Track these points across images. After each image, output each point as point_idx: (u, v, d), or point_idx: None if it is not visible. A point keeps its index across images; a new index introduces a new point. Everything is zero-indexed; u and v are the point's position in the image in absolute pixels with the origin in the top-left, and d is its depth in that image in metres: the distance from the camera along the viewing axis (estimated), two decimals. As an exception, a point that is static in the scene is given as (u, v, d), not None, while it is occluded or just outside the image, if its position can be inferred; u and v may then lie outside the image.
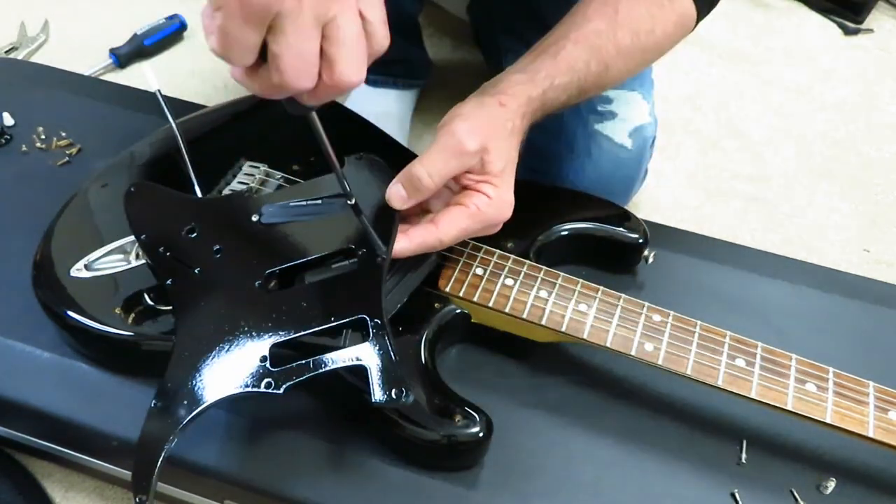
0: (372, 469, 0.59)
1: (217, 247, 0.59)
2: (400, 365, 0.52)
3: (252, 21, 0.40)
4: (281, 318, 0.55)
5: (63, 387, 0.63)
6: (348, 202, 0.56)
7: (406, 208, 0.59)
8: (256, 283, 0.57)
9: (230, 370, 0.53)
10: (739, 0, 1.43)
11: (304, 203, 0.59)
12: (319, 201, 0.59)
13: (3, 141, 0.82)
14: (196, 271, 0.58)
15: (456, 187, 0.61)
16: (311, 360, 0.52)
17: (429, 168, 0.58)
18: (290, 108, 0.47)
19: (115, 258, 0.65)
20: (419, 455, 0.59)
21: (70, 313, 0.61)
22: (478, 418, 0.56)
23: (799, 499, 0.59)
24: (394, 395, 0.50)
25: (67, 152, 0.81)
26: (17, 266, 0.66)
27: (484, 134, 0.59)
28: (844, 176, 1.14)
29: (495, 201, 0.59)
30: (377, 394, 0.51)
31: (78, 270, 0.64)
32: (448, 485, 0.58)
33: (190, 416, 0.51)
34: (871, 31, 1.39)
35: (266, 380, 0.52)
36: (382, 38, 0.44)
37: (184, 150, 0.69)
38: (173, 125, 0.71)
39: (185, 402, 0.52)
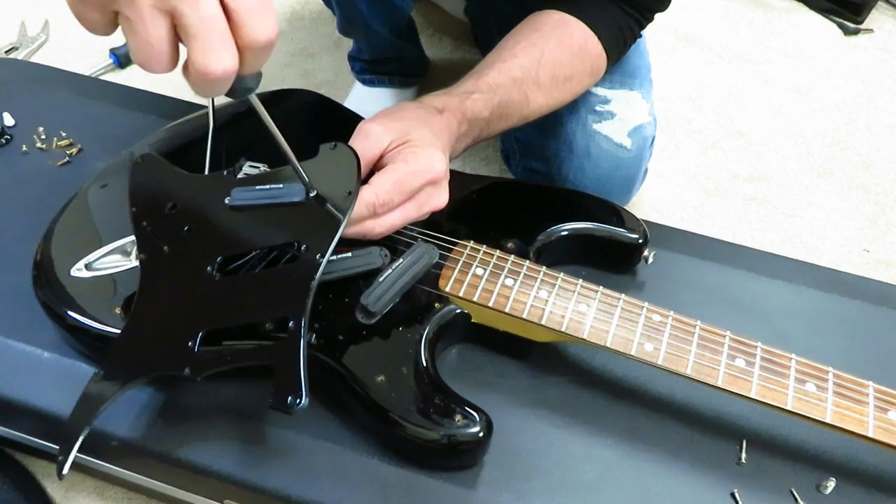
0: (372, 469, 0.59)
1: (187, 227, 0.59)
2: (305, 372, 0.50)
3: (93, 4, 0.39)
4: (217, 305, 0.55)
5: (63, 387, 0.63)
6: (309, 193, 0.56)
7: None
8: (208, 267, 0.57)
9: (161, 351, 0.54)
10: (739, 0, 1.43)
11: (268, 188, 0.59)
12: (281, 185, 0.58)
13: (4, 141, 0.82)
14: (164, 249, 0.59)
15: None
16: (230, 352, 0.53)
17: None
18: (227, 93, 0.46)
19: (115, 258, 0.65)
20: (419, 455, 0.59)
21: (70, 313, 0.62)
22: (478, 418, 0.56)
23: (799, 499, 0.59)
24: (287, 402, 0.49)
25: (67, 152, 0.81)
26: (17, 266, 0.67)
27: (394, 128, 0.61)
28: (844, 176, 1.14)
29: (420, 155, 0.59)
30: (272, 397, 0.50)
31: (78, 270, 0.64)
32: (448, 485, 0.58)
33: (116, 394, 0.52)
34: (871, 31, 1.39)
35: (187, 366, 0.52)
36: (256, 25, 0.40)
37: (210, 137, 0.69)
38: (210, 113, 0.71)
39: (119, 378, 0.52)
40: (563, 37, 0.72)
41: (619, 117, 0.85)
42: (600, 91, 0.86)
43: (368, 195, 0.57)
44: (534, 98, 0.71)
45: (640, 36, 0.79)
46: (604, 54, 0.74)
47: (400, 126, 0.61)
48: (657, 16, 0.78)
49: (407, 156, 0.59)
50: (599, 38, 0.73)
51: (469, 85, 0.68)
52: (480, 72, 0.70)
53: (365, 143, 0.60)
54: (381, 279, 0.61)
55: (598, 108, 0.85)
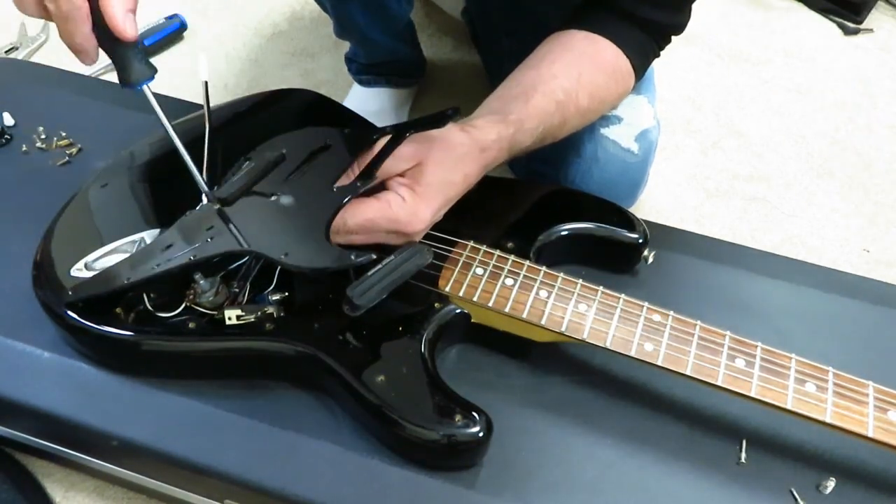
0: (372, 469, 0.59)
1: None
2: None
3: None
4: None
5: (63, 387, 0.63)
6: (211, 201, 0.62)
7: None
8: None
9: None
10: (739, 0, 1.43)
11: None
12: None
13: (3, 141, 0.82)
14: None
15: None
16: None
17: (362, 160, 0.62)
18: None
19: (115, 258, 0.64)
20: (419, 455, 0.59)
21: (70, 313, 0.62)
22: (478, 418, 0.56)
23: (799, 499, 0.59)
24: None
25: (67, 152, 0.81)
26: (17, 266, 0.67)
27: (426, 151, 0.61)
28: (844, 176, 1.14)
29: (408, 205, 0.60)
30: None
31: (78, 270, 0.63)
32: (448, 485, 0.58)
33: None
34: (871, 31, 1.39)
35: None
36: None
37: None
38: (206, 113, 0.71)
39: None
40: (596, 56, 0.71)
41: (627, 122, 0.85)
42: None
43: (338, 220, 0.59)
44: (570, 121, 0.70)
45: (659, 56, 0.78)
46: (633, 72, 0.73)
47: (425, 166, 0.61)
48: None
49: (397, 199, 0.60)
50: (628, 57, 0.72)
51: (519, 111, 0.67)
52: (526, 94, 0.68)
53: (389, 162, 0.61)
54: (369, 273, 0.61)
55: (605, 113, 0.85)
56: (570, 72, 0.69)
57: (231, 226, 0.62)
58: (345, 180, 0.62)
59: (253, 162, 0.66)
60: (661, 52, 0.78)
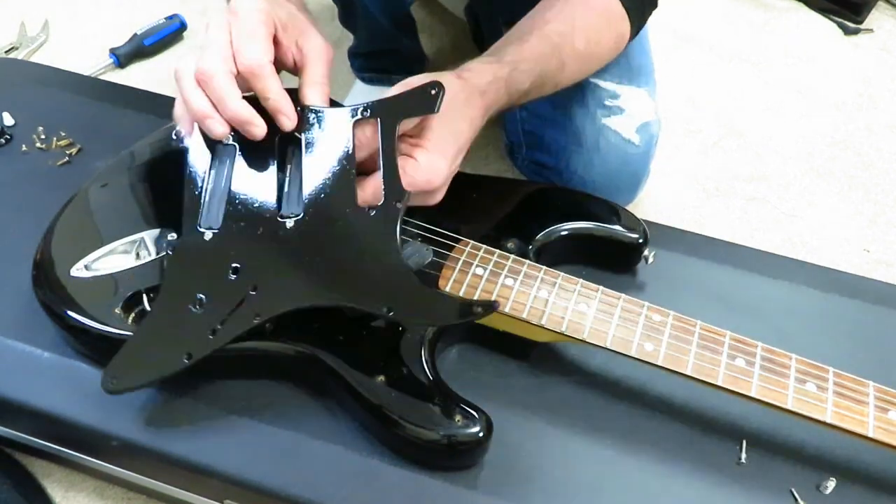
0: (372, 469, 0.59)
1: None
2: None
3: None
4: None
5: (63, 387, 0.63)
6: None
7: None
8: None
9: None
10: (739, 0, 1.43)
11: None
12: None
13: (3, 141, 0.82)
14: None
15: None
16: None
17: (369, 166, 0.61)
18: None
19: (115, 258, 0.65)
20: (419, 455, 0.59)
21: (70, 313, 0.62)
22: (478, 418, 0.56)
23: (799, 499, 0.59)
24: None
25: (67, 152, 0.81)
26: (17, 266, 0.67)
27: (425, 123, 0.60)
28: (844, 176, 1.14)
29: (423, 165, 0.60)
30: None
31: (78, 270, 0.64)
32: (448, 485, 0.58)
33: None
34: (871, 31, 1.39)
35: None
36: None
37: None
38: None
39: None
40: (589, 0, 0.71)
41: (628, 113, 0.85)
42: (609, 86, 0.85)
43: (361, 200, 0.59)
44: (569, 65, 0.70)
45: (657, 6, 0.77)
46: (626, 16, 0.73)
47: (429, 120, 0.61)
48: (658, 16, 0.78)
49: (410, 163, 0.60)
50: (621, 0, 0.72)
51: (513, 52, 0.67)
52: (521, 38, 0.68)
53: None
54: None
55: (607, 103, 0.85)
56: (564, 16, 0.70)
57: (270, 267, 0.58)
58: (365, 196, 0.60)
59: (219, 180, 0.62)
60: (658, 3, 0.77)
